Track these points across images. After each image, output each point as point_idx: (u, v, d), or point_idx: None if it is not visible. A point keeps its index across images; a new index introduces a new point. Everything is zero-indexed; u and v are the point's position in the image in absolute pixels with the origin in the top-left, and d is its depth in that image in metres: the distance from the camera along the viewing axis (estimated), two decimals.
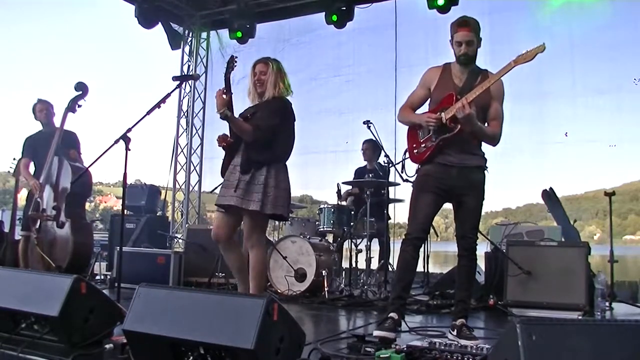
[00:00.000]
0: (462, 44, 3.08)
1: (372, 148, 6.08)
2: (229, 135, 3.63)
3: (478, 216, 3.23)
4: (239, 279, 3.68)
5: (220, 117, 3.42)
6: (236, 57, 3.65)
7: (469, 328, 3.11)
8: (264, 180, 3.46)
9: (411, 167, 3.44)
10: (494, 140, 3.18)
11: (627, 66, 6.28)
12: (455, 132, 3.06)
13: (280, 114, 3.56)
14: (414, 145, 3.27)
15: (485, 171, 3.22)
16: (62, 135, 4.74)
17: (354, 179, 6.15)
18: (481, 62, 3.22)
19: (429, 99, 3.27)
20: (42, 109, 4.94)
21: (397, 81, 7.20)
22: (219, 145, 3.64)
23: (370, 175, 5.58)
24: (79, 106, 4.77)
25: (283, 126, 3.58)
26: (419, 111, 3.31)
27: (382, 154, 5.74)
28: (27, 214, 4.74)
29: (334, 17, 7.23)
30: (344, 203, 5.85)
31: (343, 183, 5.82)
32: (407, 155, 3.37)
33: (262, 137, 3.48)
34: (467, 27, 3.06)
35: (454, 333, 3.10)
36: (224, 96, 3.44)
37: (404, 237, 3.19)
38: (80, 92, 4.75)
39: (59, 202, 4.69)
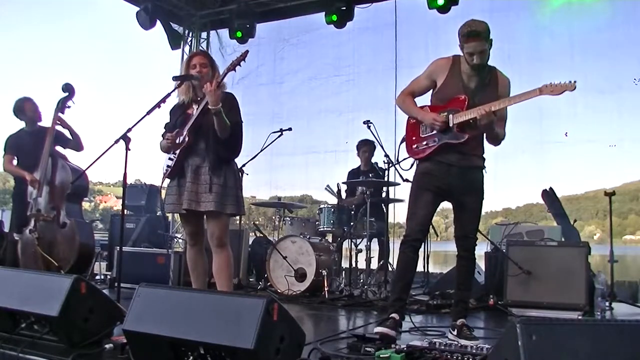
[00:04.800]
0: (474, 55, 3.00)
1: (371, 150, 5.98)
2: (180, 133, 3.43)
3: (478, 216, 3.23)
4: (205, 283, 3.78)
5: (213, 112, 3.22)
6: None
7: (469, 328, 3.11)
8: (233, 183, 3.45)
9: (406, 161, 3.45)
10: (500, 141, 3.18)
11: (627, 66, 6.27)
12: (461, 141, 3.05)
13: (239, 110, 3.51)
14: (414, 139, 3.23)
15: (484, 171, 3.22)
16: (45, 133, 4.75)
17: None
18: None
19: (432, 90, 3.22)
20: (33, 108, 4.91)
21: (397, 81, 7.18)
22: (174, 144, 3.38)
23: (371, 175, 5.56)
24: (68, 107, 4.79)
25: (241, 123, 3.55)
26: (419, 99, 3.26)
27: (382, 153, 5.72)
28: (23, 214, 4.70)
29: (334, 17, 7.22)
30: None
31: (343, 183, 5.81)
32: (404, 145, 3.32)
33: (234, 134, 3.41)
34: (478, 38, 2.96)
35: (454, 333, 3.10)
36: (219, 91, 3.24)
37: (402, 238, 3.18)
38: (68, 94, 4.77)
39: (58, 202, 4.69)
